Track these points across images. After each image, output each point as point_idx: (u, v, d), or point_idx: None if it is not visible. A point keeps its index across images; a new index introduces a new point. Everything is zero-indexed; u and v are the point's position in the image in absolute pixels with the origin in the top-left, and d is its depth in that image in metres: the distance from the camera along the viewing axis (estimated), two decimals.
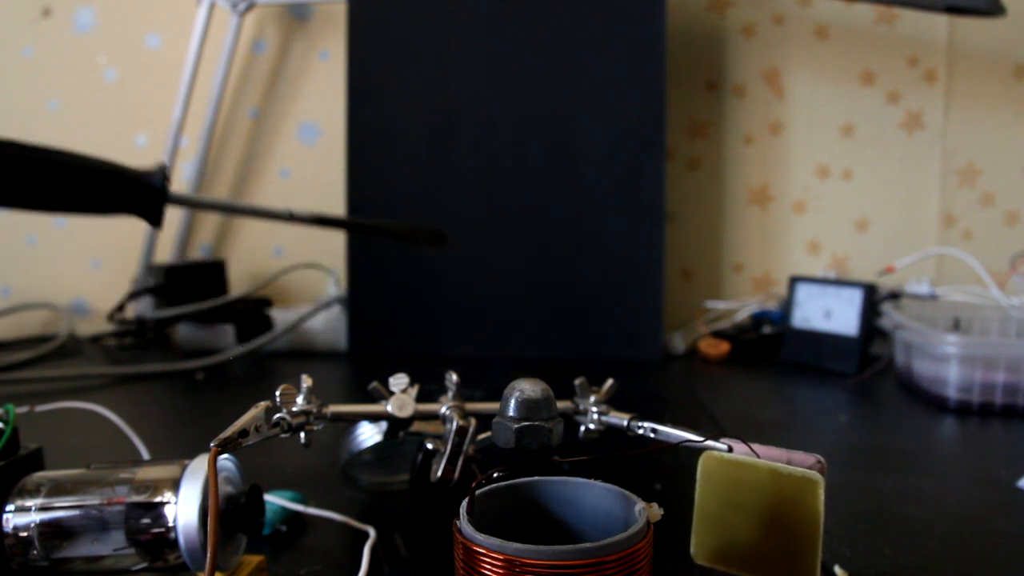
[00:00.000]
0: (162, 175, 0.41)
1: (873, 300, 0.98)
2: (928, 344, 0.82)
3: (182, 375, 0.97)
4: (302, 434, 0.43)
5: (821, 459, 0.38)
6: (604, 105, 1.03)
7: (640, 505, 0.32)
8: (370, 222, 0.42)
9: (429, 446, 0.50)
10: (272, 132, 1.27)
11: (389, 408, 0.48)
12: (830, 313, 1.00)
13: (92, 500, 0.39)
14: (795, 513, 0.38)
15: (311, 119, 1.26)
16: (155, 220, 0.41)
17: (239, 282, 1.24)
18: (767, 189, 1.23)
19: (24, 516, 0.38)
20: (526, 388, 0.36)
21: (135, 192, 0.40)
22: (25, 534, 0.38)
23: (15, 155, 0.37)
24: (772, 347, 1.07)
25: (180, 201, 0.41)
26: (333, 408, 0.46)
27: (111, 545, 0.38)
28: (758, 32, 1.21)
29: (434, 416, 0.49)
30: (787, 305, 1.05)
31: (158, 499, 0.38)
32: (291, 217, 0.41)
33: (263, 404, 0.40)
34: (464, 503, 0.32)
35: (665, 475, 0.60)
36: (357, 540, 0.49)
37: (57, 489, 0.39)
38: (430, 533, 0.51)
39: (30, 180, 0.37)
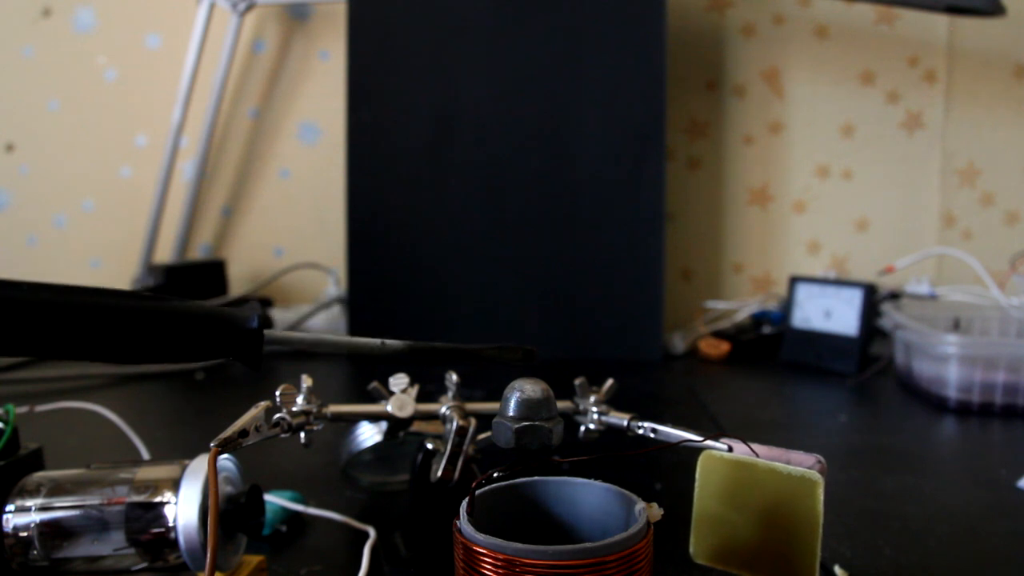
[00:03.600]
0: (258, 316, 0.38)
1: (873, 300, 0.98)
2: (928, 344, 0.81)
3: (182, 375, 0.97)
4: (302, 434, 0.43)
5: (821, 459, 0.38)
6: (604, 105, 1.03)
7: (640, 505, 0.32)
8: (462, 347, 0.41)
9: (429, 446, 0.50)
10: (272, 132, 1.27)
11: (389, 408, 0.48)
12: (830, 313, 1.00)
13: (92, 500, 0.39)
14: (795, 513, 0.38)
15: (311, 119, 1.26)
16: (254, 364, 0.39)
17: (239, 282, 1.24)
18: (767, 189, 1.23)
19: (24, 516, 0.38)
20: (526, 388, 0.36)
21: (231, 335, 0.37)
22: (25, 534, 0.38)
23: (103, 305, 0.34)
24: (772, 347, 1.07)
25: (277, 341, 0.39)
26: (333, 408, 0.46)
27: (111, 545, 0.38)
28: (758, 32, 1.21)
29: (434, 416, 0.49)
30: (787, 305, 1.05)
31: (158, 499, 0.38)
32: (383, 346, 0.40)
33: (263, 404, 0.40)
34: (464, 503, 0.32)
35: (665, 475, 0.60)
36: (357, 540, 0.49)
37: (57, 489, 0.39)
38: (430, 533, 0.51)
39: (119, 333, 0.35)
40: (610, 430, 0.49)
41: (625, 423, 0.47)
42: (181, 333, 0.36)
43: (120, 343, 0.35)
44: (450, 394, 0.49)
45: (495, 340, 1.10)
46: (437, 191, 1.05)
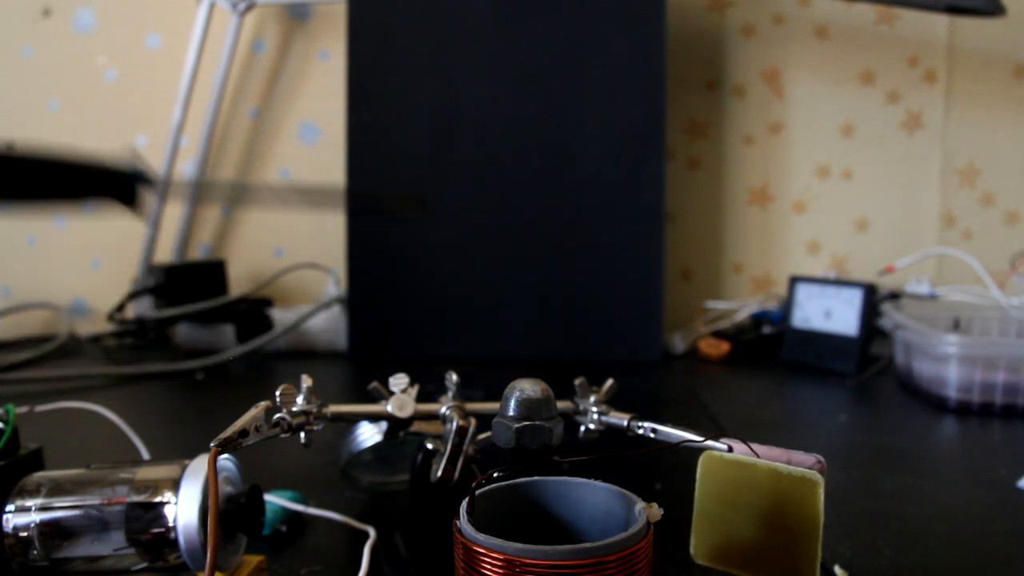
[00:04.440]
0: (133, 161, 0.38)
1: (873, 300, 0.98)
2: (928, 344, 0.81)
3: (182, 375, 0.97)
4: (302, 434, 0.43)
5: (821, 459, 0.38)
6: (604, 105, 1.03)
7: (640, 505, 0.32)
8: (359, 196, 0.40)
9: (429, 446, 0.50)
10: (272, 132, 1.27)
11: (389, 408, 0.48)
12: (830, 313, 1.00)
13: (92, 500, 0.39)
14: (795, 513, 0.38)
15: (311, 119, 1.26)
16: (129, 200, 0.38)
17: (239, 282, 1.24)
18: (767, 189, 1.23)
19: (24, 516, 0.38)
20: (526, 388, 0.36)
21: (106, 177, 0.37)
22: (25, 534, 0.38)
23: None
24: (772, 347, 1.06)
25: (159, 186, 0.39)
26: (333, 408, 0.45)
27: (111, 545, 0.38)
28: (758, 32, 1.21)
29: (434, 416, 0.49)
30: (787, 305, 1.05)
31: (158, 499, 0.38)
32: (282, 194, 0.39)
33: (263, 404, 0.40)
34: (464, 503, 0.32)
35: (665, 475, 0.60)
36: (357, 540, 0.49)
37: (57, 489, 0.39)
38: (430, 533, 0.51)
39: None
40: (610, 430, 0.49)
41: (625, 423, 0.47)
42: (57, 176, 0.36)
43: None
44: (450, 394, 0.49)
45: (496, 342, 1.11)
46: (437, 191, 1.05)
